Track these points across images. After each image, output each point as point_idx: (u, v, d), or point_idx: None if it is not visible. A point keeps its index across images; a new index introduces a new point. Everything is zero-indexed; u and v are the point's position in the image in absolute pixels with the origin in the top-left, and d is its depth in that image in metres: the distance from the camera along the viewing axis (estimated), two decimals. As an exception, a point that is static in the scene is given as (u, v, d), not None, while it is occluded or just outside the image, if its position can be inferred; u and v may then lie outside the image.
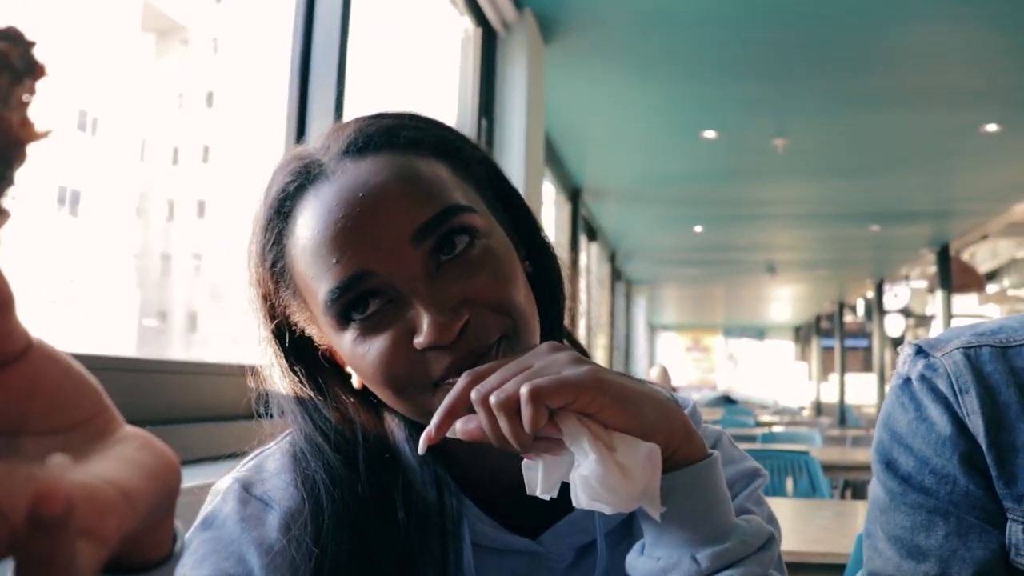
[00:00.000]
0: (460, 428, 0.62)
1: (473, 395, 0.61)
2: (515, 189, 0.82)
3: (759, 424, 8.96)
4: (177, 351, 38.53)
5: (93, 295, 32.97)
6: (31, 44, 0.32)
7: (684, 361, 22.45)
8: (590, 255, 8.93)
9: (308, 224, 0.71)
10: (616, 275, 11.29)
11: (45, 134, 0.33)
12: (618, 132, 5.93)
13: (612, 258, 10.64)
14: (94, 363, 1.42)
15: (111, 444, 0.38)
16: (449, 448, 0.69)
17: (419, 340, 0.67)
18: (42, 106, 0.33)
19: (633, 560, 0.66)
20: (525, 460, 0.64)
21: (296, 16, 2.18)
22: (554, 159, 6.27)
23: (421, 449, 0.62)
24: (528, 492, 0.63)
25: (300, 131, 2.06)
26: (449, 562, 0.72)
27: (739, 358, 23.05)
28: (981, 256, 14.25)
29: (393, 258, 0.68)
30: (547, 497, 0.63)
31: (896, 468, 0.86)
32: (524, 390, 0.58)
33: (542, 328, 0.76)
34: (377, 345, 0.69)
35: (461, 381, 0.63)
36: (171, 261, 40.54)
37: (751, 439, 6.18)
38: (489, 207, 0.76)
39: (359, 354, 0.70)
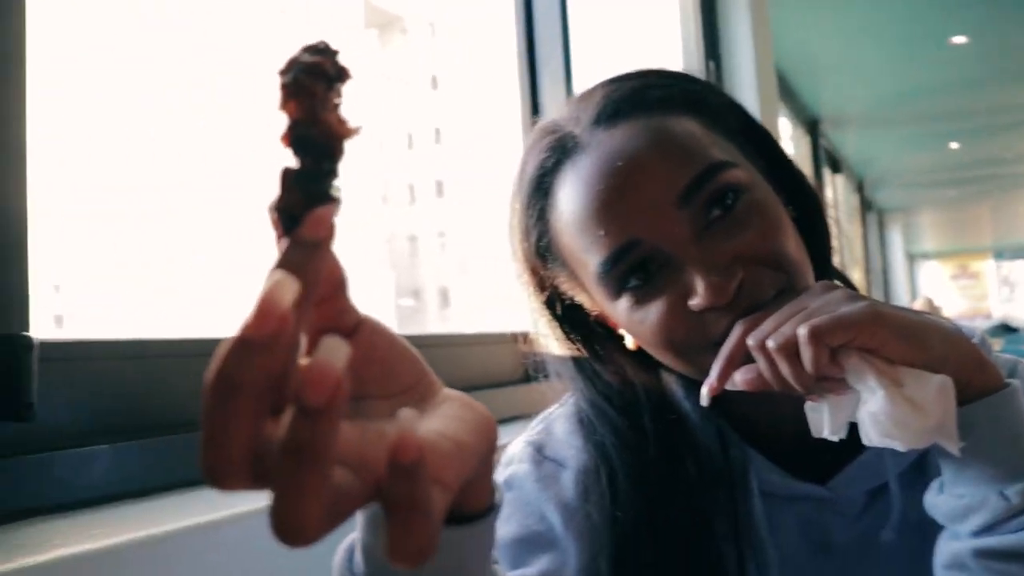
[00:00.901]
0: (740, 379, 0.62)
1: (750, 341, 0.61)
2: (766, 130, 0.79)
3: (1047, 352, 8.17)
4: (433, 326, 40.72)
5: (353, 281, 35.45)
6: (336, 53, 0.36)
7: (950, 290, 20.84)
8: (835, 188, 8.51)
9: (570, 198, 0.71)
10: (866, 205, 10.69)
11: (358, 130, 0.37)
12: (854, 53, 5.58)
13: (860, 188, 10.10)
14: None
15: (437, 404, 0.42)
16: (730, 399, 0.69)
17: (695, 302, 0.66)
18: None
19: (932, 499, 0.63)
20: (808, 403, 0.62)
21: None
22: (788, 93, 6.01)
23: (704, 401, 0.63)
24: (814, 434, 0.62)
25: (533, 95, 2.08)
26: (739, 512, 0.73)
27: (1016, 282, 21.06)
28: None
29: (660, 224, 0.67)
30: (835, 438, 0.61)
31: None
32: (803, 331, 0.57)
33: (813, 272, 0.73)
34: (653, 311, 0.68)
35: (736, 329, 0.62)
36: (417, 242, 42.72)
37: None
38: (745, 156, 0.73)
39: (635, 320, 0.70)
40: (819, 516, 0.74)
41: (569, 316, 0.78)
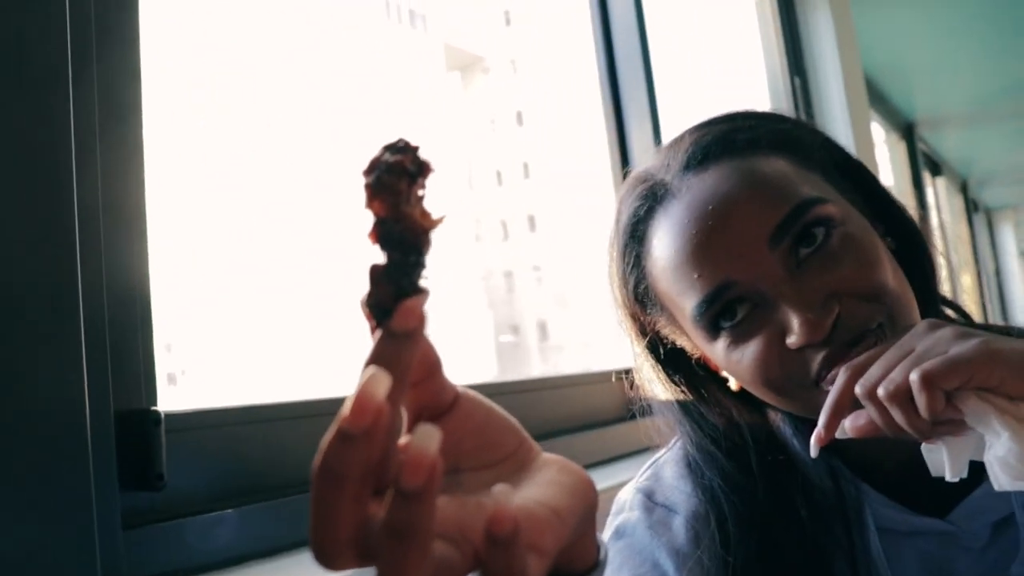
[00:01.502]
0: (850, 426, 0.60)
1: (858, 390, 0.59)
2: (861, 164, 0.79)
3: None
4: (535, 360, 40.73)
5: (452, 321, 35.87)
6: (417, 149, 0.38)
7: (1072, 286, 19.77)
8: (937, 191, 8.21)
9: (664, 244, 0.72)
10: (972, 206, 10.27)
11: (441, 220, 0.38)
12: (946, 52, 5.40)
13: (963, 189, 9.72)
14: (488, 391, 1.54)
15: (535, 470, 0.43)
16: None
17: (791, 340, 0.66)
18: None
19: None
20: (925, 444, 0.60)
21: (594, 22, 2.21)
22: (879, 99, 5.86)
23: (813, 452, 0.61)
24: (933, 475, 0.60)
25: (621, 138, 2.08)
26: (856, 550, 0.71)
27: None
28: None
29: (753, 264, 0.67)
30: (957, 479, 0.59)
31: None
32: (915, 376, 0.55)
33: (917, 303, 0.71)
34: (751, 350, 0.69)
35: (841, 376, 0.61)
36: (513, 277, 42.97)
37: None
38: (839, 191, 0.73)
39: (734, 360, 0.70)
40: (941, 551, 0.72)
41: (672, 360, 0.79)
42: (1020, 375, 0.55)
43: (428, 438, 0.32)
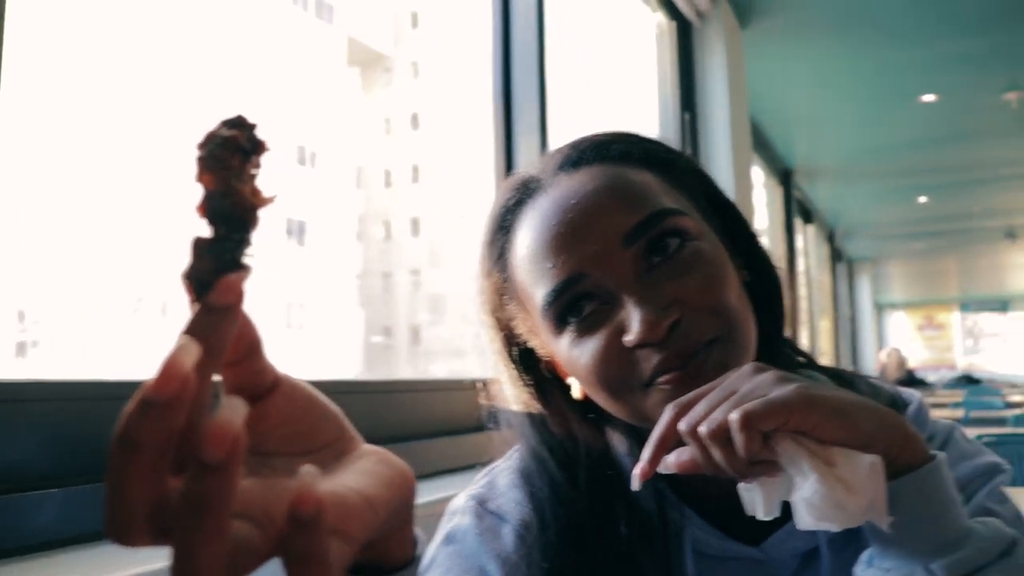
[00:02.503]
0: (673, 462, 0.61)
1: (681, 427, 0.60)
2: (729, 200, 0.81)
3: (1009, 405, 8.21)
4: (403, 364, 40.51)
5: (323, 318, 35.32)
6: (254, 127, 0.38)
7: (916, 340, 21.04)
8: (807, 237, 8.61)
9: (527, 235, 0.74)
10: (836, 255, 10.82)
11: (272, 199, 0.38)
12: (827, 108, 5.68)
13: (830, 238, 10.23)
14: (334, 388, 1.51)
15: (353, 460, 0.43)
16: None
17: (628, 338, 0.67)
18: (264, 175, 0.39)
19: (861, 572, 0.63)
20: (742, 483, 0.62)
21: (494, 33, 2.23)
22: (762, 143, 6.10)
23: (635, 485, 0.62)
24: (748, 513, 0.61)
25: (508, 146, 2.10)
26: (672, 572, 0.73)
27: (980, 334, 21.32)
28: None
29: (604, 260, 0.69)
30: (768, 518, 0.61)
31: None
32: (734, 417, 0.57)
33: (762, 338, 0.74)
34: (591, 346, 0.70)
35: (667, 413, 0.62)
36: (391, 279, 42.67)
37: (1000, 422, 5.65)
38: (702, 215, 0.75)
39: (575, 357, 0.71)
40: None
41: (523, 361, 0.79)
42: (832, 420, 0.57)
43: (233, 411, 0.32)
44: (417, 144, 42.32)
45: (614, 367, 0.69)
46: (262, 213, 0.38)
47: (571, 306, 0.70)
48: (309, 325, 34.74)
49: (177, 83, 32.46)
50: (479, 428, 0.86)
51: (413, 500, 0.44)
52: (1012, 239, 11.38)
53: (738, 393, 0.59)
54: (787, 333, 0.82)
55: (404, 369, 40.83)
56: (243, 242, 0.37)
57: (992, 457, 0.78)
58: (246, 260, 0.37)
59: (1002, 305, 21.04)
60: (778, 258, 0.83)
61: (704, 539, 0.74)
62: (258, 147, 0.38)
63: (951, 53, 4.71)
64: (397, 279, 42.51)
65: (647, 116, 3.36)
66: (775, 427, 0.57)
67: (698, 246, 0.71)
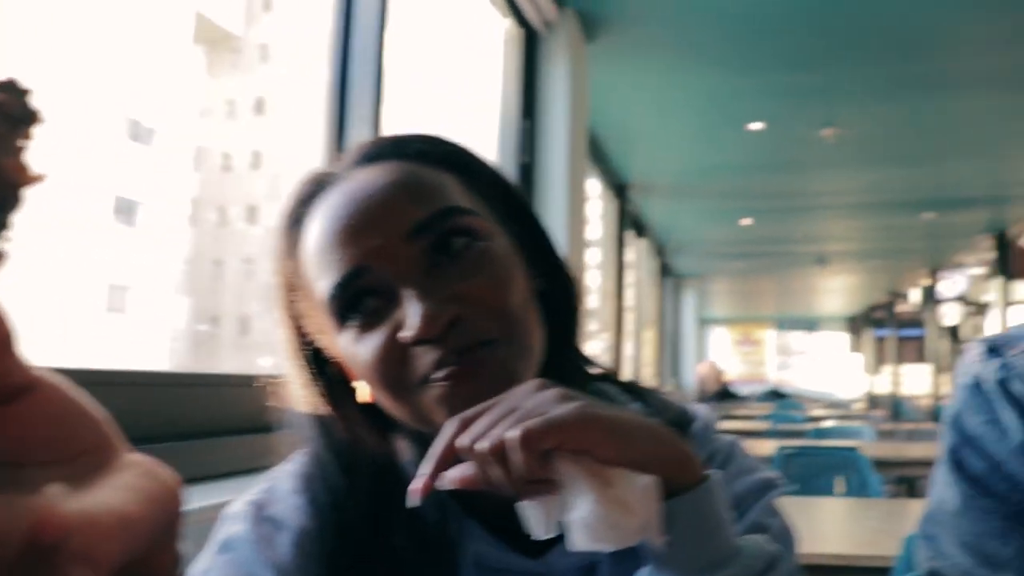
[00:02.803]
0: (451, 477, 0.60)
1: (460, 443, 0.59)
2: (530, 210, 0.81)
3: (809, 419, 8.78)
4: (229, 355, 39.10)
5: (149, 302, 33.64)
6: (26, 92, 0.34)
7: (734, 355, 22.20)
8: (638, 250, 8.89)
9: (316, 227, 0.72)
10: (665, 270, 11.22)
11: (40, 178, 0.34)
12: (663, 127, 5.89)
13: (660, 253, 10.58)
14: (111, 379, 1.41)
15: (113, 472, 0.38)
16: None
17: (405, 334, 0.66)
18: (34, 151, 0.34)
19: None
20: (522, 501, 0.61)
21: (335, 23, 2.20)
22: (600, 156, 6.25)
23: (411, 501, 0.60)
24: (527, 531, 0.61)
25: (339, 138, 2.08)
26: None
27: (790, 351, 22.72)
28: (1041, 242, 13.85)
29: (388, 255, 0.68)
30: (546, 537, 0.60)
31: (966, 469, 0.83)
32: (512, 434, 0.56)
33: (553, 348, 0.75)
34: (370, 343, 0.68)
35: (447, 428, 0.61)
36: (223, 267, 41.17)
37: (801, 435, 6.03)
38: (499, 221, 0.75)
39: (355, 354, 0.70)
40: None
41: (313, 360, 0.77)
42: (610, 440, 0.58)
43: None
44: (261, 130, 41.05)
45: (392, 364, 0.68)
46: (28, 192, 0.33)
47: (354, 301, 0.69)
48: (132, 309, 33.02)
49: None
50: (270, 429, 0.82)
51: (180, 516, 0.40)
52: (822, 264, 12.17)
53: (519, 410, 0.59)
54: (586, 344, 0.82)
55: (229, 361, 39.35)
56: (2, 225, 0.33)
57: (768, 473, 0.80)
58: (2, 246, 0.33)
59: (810, 325, 22.55)
60: (576, 270, 0.83)
61: (485, 551, 0.74)
62: (30, 117, 0.33)
63: (778, 86, 4.99)
64: (229, 267, 41.05)
65: (488, 120, 3.39)
66: (553, 446, 0.57)
67: (486, 247, 0.70)
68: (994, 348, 0.83)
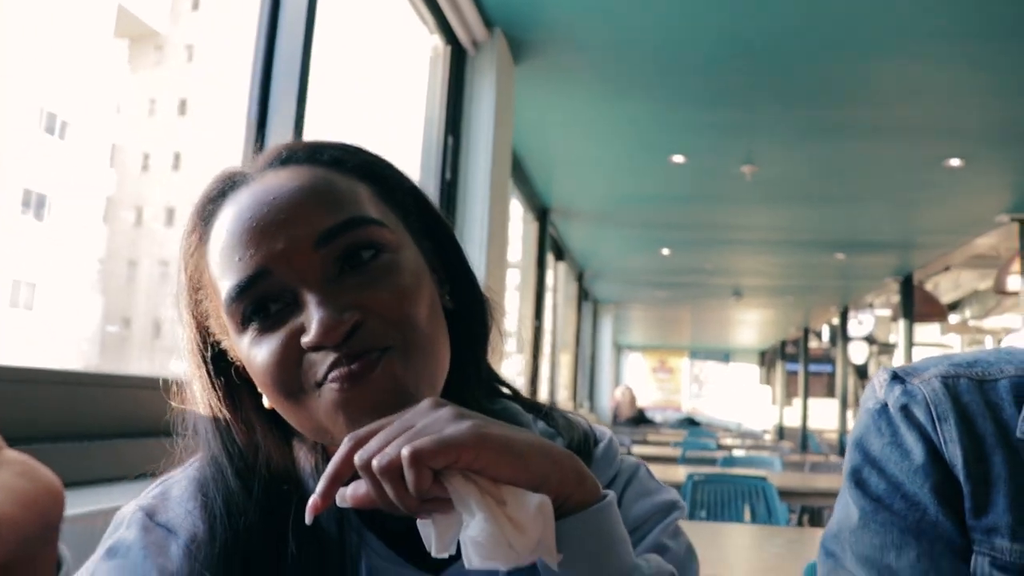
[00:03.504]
0: (348, 495, 0.60)
1: (356, 460, 0.59)
2: (445, 223, 0.82)
3: (720, 447, 8.97)
4: (140, 357, 38.04)
5: (57, 300, 32.54)
6: None
7: (649, 382, 22.53)
8: (557, 274, 8.96)
9: (221, 225, 0.71)
10: (583, 295, 11.33)
11: None
12: (587, 153, 5.95)
13: (580, 278, 10.69)
14: (4, 375, 1.36)
15: None
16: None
17: (306, 339, 0.66)
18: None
19: None
20: (418, 519, 0.61)
21: (261, 28, 2.16)
22: (523, 178, 6.29)
23: (308, 518, 0.59)
24: (426, 548, 0.61)
25: (260, 144, 2.04)
26: None
27: (704, 380, 23.16)
28: (944, 287, 14.41)
29: (293, 260, 0.68)
30: (444, 555, 0.60)
31: (867, 488, 0.85)
32: (405, 453, 0.56)
33: (459, 364, 0.76)
34: (269, 346, 0.68)
35: (344, 446, 0.60)
36: (137, 267, 40.08)
37: (711, 462, 6.17)
38: (411, 234, 0.75)
39: (252, 356, 0.69)
40: None
41: (215, 362, 0.76)
42: (503, 459, 0.58)
43: None
44: (182, 131, 40.20)
45: (288, 368, 0.67)
46: None
47: (255, 304, 0.68)
48: (39, 307, 31.86)
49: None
50: (167, 432, 0.80)
51: (59, 518, 0.39)
52: (738, 297, 12.46)
53: (413, 429, 0.59)
54: (493, 363, 0.83)
55: (139, 363, 38.30)
56: None
57: (670, 495, 0.82)
58: None
59: (724, 356, 23.04)
60: (497, 289, 0.84)
61: (382, 565, 0.73)
62: None
63: (701, 121, 5.09)
64: (143, 268, 39.98)
65: (411, 133, 3.37)
66: (446, 464, 0.57)
67: (393, 258, 0.71)
68: (898, 376, 0.87)
